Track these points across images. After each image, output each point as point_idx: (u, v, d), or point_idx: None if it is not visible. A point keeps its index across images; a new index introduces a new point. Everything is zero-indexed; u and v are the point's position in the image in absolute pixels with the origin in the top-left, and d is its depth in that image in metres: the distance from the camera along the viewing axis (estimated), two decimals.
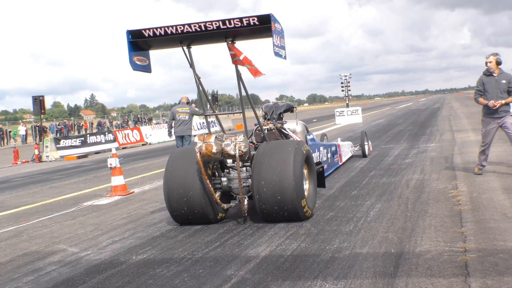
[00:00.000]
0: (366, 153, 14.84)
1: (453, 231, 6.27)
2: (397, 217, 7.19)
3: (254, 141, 9.46)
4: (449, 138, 18.11)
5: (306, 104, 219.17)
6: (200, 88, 8.38)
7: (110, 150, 15.49)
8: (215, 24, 7.37)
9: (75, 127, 70.44)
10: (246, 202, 7.72)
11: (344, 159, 13.62)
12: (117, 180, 11.79)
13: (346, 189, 9.74)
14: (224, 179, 8.07)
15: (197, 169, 7.69)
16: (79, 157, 27.15)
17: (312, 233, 6.78)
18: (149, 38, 7.72)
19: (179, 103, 16.39)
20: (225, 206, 7.83)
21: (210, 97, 8.84)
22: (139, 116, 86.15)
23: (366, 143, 15.01)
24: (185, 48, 8.08)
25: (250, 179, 7.85)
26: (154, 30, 7.63)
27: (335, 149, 12.67)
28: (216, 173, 8.17)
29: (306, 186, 7.98)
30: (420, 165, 12.06)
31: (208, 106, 9.45)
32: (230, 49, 7.77)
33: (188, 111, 15.70)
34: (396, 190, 9.17)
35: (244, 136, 7.75)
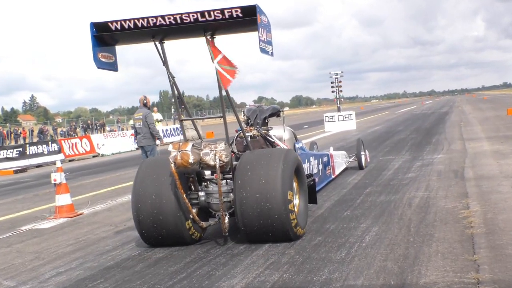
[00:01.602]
0: (363, 164, 15.04)
1: (463, 259, 6.32)
2: (398, 243, 7.24)
3: (235, 150, 9.50)
4: (459, 148, 18.30)
5: (287, 108, 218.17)
6: (175, 89, 8.55)
7: (54, 163, 15.38)
8: (193, 16, 7.53)
9: (12, 135, 69.84)
10: (227, 219, 7.89)
11: (337, 172, 13.84)
12: (63, 199, 11.70)
13: (337, 209, 9.79)
14: (201, 193, 8.22)
15: (171, 182, 7.85)
16: (16, 172, 26.90)
17: (297, 262, 6.79)
18: (116, 31, 7.87)
19: None
20: (203, 224, 8.05)
21: (177, 100, 8.96)
22: (89, 122, 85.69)
23: (362, 152, 15.22)
24: (157, 43, 8.21)
25: (231, 194, 8.01)
26: (122, 22, 7.77)
27: (327, 160, 12.87)
28: (192, 187, 8.32)
29: (296, 201, 8.18)
30: (425, 180, 12.16)
31: (180, 110, 9.58)
32: (209, 46, 7.88)
33: (141, 117, 15.68)
34: (396, 211, 9.24)
35: (225, 144, 7.95)
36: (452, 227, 7.81)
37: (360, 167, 14.95)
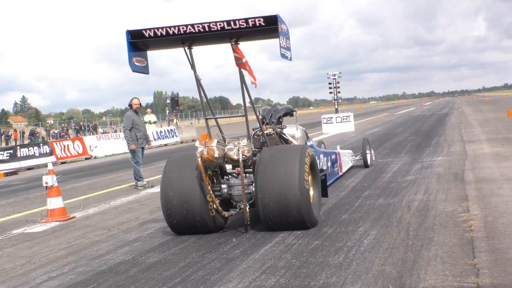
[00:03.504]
0: (369, 162, 15.79)
1: (463, 263, 6.34)
2: (396, 247, 7.25)
3: (252, 147, 9.89)
4: (459, 150, 18.32)
5: None
6: (201, 91, 9.56)
7: (45, 165, 15.38)
8: (220, 24, 8.51)
9: (2, 137, 69.76)
10: (247, 209, 8.68)
11: (344, 169, 14.58)
12: (54, 203, 11.70)
13: (335, 213, 9.80)
14: (224, 186, 9.13)
15: (196, 175, 8.75)
16: (6, 174, 26.91)
17: (294, 266, 6.80)
18: (149, 38, 8.89)
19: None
20: (226, 214, 8.94)
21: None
22: (81, 123, 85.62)
23: (368, 151, 16.00)
24: (186, 49, 9.28)
25: (251, 186, 8.93)
26: (155, 30, 8.78)
27: (335, 158, 13.66)
28: (215, 180, 9.23)
29: (311, 192, 8.97)
30: (424, 183, 12.18)
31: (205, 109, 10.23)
32: (234, 51, 8.96)
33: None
34: (395, 214, 9.25)
35: (247, 140, 8.90)
36: (451, 230, 7.83)
37: (366, 165, 15.71)
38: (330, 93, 46.67)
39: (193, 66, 9.40)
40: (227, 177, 9.44)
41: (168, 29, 8.71)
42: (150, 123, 37.19)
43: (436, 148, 19.92)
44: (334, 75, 46.03)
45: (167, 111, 60.50)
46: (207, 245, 8.25)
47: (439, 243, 7.23)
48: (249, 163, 9.02)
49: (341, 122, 39.05)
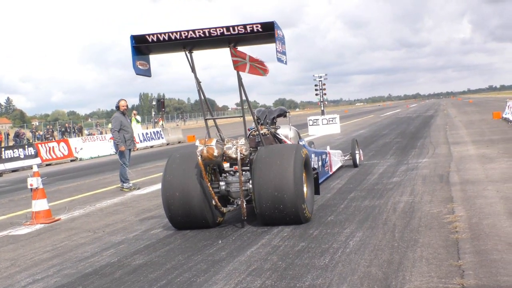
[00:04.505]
0: (357, 162, 16.26)
1: (448, 264, 6.36)
2: (382, 248, 7.26)
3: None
4: (445, 152, 18.39)
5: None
6: (201, 93, 9.91)
7: (30, 167, 15.31)
8: (219, 30, 8.93)
9: None
10: (244, 205, 9.10)
11: (334, 169, 15.02)
12: (39, 205, 11.64)
13: (321, 214, 9.81)
14: (222, 183, 9.55)
15: (196, 173, 9.15)
16: None
17: (280, 268, 6.81)
18: (152, 43, 9.31)
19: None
20: (224, 209, 9.36)
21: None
22: (67, 125, 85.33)
23: (357, 151, 16.50)
24: (187, 52, 9.62)
25: (248, 183, 9.37)
26: (158, 35, 9.19)
27: (326, 157, 14.07)
28: (213, 177, 9.65)
29: (304, 189, 9.31)
30: (409, 185, 12.21)
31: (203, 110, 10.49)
32: (232, 55, 9.24)
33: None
34: (380, 216, 9.27)
35: (245, 140, 9.30)
36: (436, 232, 7.85)
37: (355, 165, 16.20)
38: (316, 95, 46.80)
39: (193, 69, 9.75)
40: (225, 174, 9.77)
41: (170, 34, 9.08)
42: (136, 121, 37.08)
43: (422, 150, 19.99)
44: (320, 77, 46.14)
45: (153, 112, 60.42)
46: (193, 247, 8.25)
47: (424, 244, 7.25)
48: (246, 161, 9.51)
49: (327, 124, 39.11)
